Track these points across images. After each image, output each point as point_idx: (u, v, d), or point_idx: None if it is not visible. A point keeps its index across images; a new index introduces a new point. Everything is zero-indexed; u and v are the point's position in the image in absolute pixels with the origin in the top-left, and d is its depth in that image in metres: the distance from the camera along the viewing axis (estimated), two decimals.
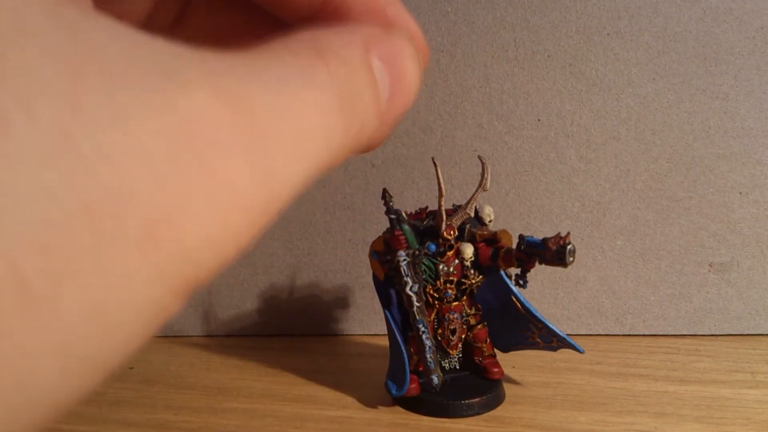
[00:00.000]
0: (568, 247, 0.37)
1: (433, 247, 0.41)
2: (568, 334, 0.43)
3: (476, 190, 0.41)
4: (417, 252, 0.41)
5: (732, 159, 0.50)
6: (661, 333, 0.53)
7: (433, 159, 0.40)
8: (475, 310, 0.44)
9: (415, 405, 0.42)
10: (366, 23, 0.19)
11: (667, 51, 0.50)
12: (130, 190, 0.11)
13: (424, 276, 0.41)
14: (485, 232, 0.42)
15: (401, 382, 0.41)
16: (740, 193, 0.51)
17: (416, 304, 0.41)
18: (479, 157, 0.41)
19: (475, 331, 0.44)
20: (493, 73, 0.52)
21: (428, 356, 0.41)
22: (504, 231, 0.42)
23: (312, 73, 0.15)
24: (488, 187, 0.41)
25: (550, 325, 0.42)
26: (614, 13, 0.50)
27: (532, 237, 0.40)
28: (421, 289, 0.41)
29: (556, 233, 0.38)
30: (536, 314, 0.42)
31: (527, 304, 0.43)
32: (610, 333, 0.54)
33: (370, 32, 0.19)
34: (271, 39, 0.16)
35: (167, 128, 0.12)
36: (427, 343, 0.41)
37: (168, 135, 0.12)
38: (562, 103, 0.51)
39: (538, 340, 0.44)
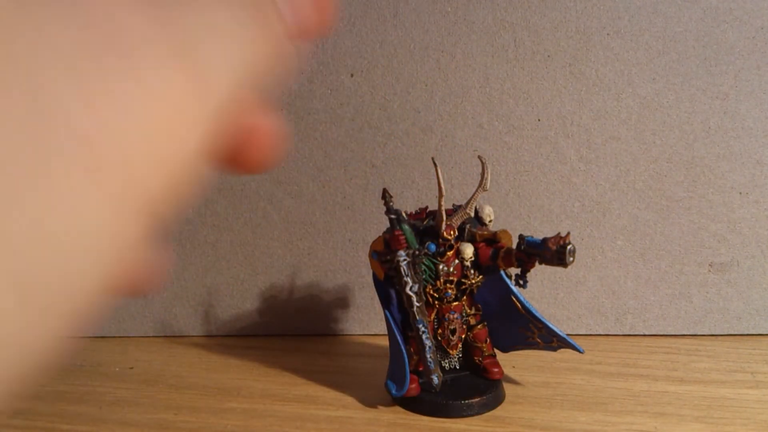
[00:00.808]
0: (568, 247, 0.37)
1: (433, 247, 0.41)
2: (568, 334, 0.43)
3: (476, 190, 0.41)
4: (417, 252, 0.41)
5: (732, 159, 0.50)
6: (661, 333, 0.53)
7: (433, 159, 0.40)
8: (475, 310, 0.44)
9: (414, 405, 0.42)
10: None
11: (667, 51, 0.50)
12: (60, 106, 0.11)
13: (424, 276, 0.41)
14: (485, 232, 0.42)
15: (401, 382, 0.41)
16: (740, 193, 0.51)
17: (416, 304, 0.41)
18: (479, 157, 0.41)
19: (475, 331, 0.44)
20: (493, 73, 0.52)
21: (428, 356, 0.41)
22: (504, 231, 0.42)
23: None
24: (488, 187, 0.41)
25: (550, 325, 0.42)
26: (614, 14, 0.50)
27: (532, 237, 0.40)
28: (421, 289, 0.41)
29: (556, 233, 0.38)
30: (536, 314, 0.42)
31: (527, 304, 0.43)
32: (610, 333, 0.54)
33: None
34: None
35: (90, 39, 0.11)
36: (427, 343, 0.41)
37: (91, 46, 0.11)
38: (562, 103, 0.51)
39: (538, 340, 0.44)
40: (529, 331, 0.44)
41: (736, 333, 0.52)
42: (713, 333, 0.52)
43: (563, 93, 0.51)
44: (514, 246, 0.41)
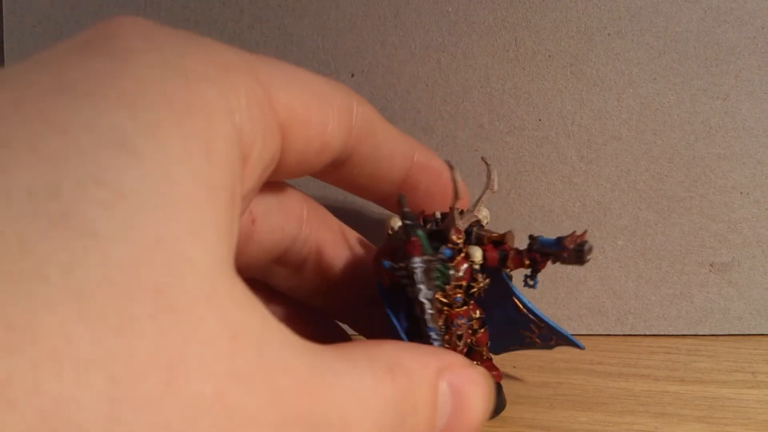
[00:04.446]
0: (586, 246, 0.36)
1: (448, 253, 0.40)
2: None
3: (483, 192, 0.40)
4: (431, 258, 0.39)
5: (733, 159, 0.50)
6: (662, 333, 0.53)
7: (448, 162, 0.39)
8: (479, 313, 0.43)
9: None
10: (450, 352, 0.23)
11: (667, 51, 0.50)
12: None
13: (437, 282, 0.40)
14: (493, 234, 0.41)
15: None
16: (741, 193, 0.51)
17: (429, 311, 0.40)
18: (483, 159, 0.40)
19: (478, 335, 0.43)
20: (494, 73, 0.52)
21: None
22: (509, 232, 0.42)
23: (377, 385, 0.19)
24: (496, 188, 0.40)
25: (553, 324, 0.42)
26: (615, 13, 0.50)
27: (544, 237, 0.39)
28: (434, 296, 0.40)
29: (571, 232, 0.38)
30: (539, 314, 0.42)
31: (530, 305, 0.42)
32: (610, 333, 0.54)
33: (451, 360, 0.21)
34: (359, 342, 0.21)
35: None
36: None
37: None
38: (563, 103, 0.51)
39: (537, 340, 0.43)
40: (529, 332, 0.43)
41: (737, 333, 0.52)
42: (714, 333, 0.52)
43: (564, 93, 0.51)
44: (515, 245, 0.41)
